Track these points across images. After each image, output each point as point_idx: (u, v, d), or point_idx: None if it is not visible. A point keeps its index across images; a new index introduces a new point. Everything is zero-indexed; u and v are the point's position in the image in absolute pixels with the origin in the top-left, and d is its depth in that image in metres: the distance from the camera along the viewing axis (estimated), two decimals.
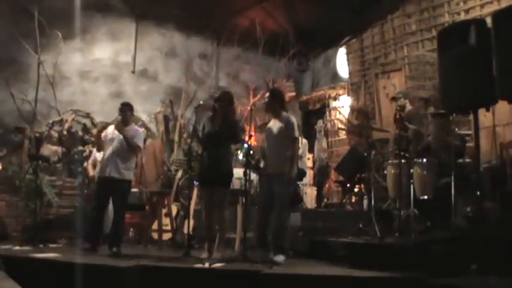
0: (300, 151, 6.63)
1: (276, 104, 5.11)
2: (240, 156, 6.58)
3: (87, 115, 8.30)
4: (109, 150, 5.56)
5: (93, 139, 7.65)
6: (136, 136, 5.62)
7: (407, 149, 5.48)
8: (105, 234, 5.67)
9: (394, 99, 6.42)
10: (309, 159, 8.18)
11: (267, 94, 5.20)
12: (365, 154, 5.92)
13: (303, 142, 6.97)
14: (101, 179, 5.56)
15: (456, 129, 5.64)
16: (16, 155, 7.45)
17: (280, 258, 4.68)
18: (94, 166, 6.79)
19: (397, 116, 5.54)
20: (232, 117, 5.17)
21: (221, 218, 5.06)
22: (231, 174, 5.14)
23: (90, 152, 7.58)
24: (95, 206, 5.59)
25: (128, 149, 5.52)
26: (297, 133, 5.03)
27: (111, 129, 5.78)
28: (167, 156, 8.71)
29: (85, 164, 7.31)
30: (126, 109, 5.62)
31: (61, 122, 8.02)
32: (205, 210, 5.22)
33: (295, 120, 5.11)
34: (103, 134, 5.75)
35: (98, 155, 6.45)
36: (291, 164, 4.86)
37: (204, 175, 5.14)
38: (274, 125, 5.10)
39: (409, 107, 6.27)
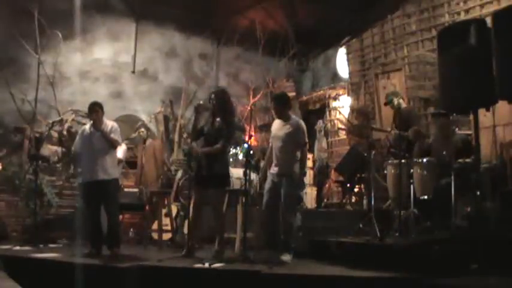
0: None
1: (284, 108, 5.14)
2: (240, 156, 6.57)
3: (87, 115, 8.28)
4: (89, 154, 5.44)
5: None
6: (115, 131, 5.57)
7: (408, 149, 5.47)
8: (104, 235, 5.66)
9: (386, 104, 6.45)
10: (309, 159, 8.16)
11: (272, 102, 5.20)
12: (365, 154, 5.91)
13: None
14: (89, 183, 5.41)
15: (457, 129, 5.62)
16: (16, 155, 7.45)
17: (287, 257, 4.77)
18: None
19: (396, 116, 5.55)
20: (230, 119, 5.13)
21: (219, 220, 5.03)
22: (227, 175, 5.10)
23: None
24: (90, 212, 5.50)
25: (108, 146, 5.47)
26: (306, 138, 5.12)
27: (85, 130, 5.70)
28: (167, 156, 8.70)
29: None
30: (97, 109, 5.55)
31: (61, 122, 8.00)
32: (192, 207, 5.16)
33: (303, 124, 5.16)
34: (80, 132, 5.72)
35: None
36: (302, 167, 5.00)
37: (198, 175, 5.12)
38: (282, 126, 5.11)
39: (403, 105, 6.32)
